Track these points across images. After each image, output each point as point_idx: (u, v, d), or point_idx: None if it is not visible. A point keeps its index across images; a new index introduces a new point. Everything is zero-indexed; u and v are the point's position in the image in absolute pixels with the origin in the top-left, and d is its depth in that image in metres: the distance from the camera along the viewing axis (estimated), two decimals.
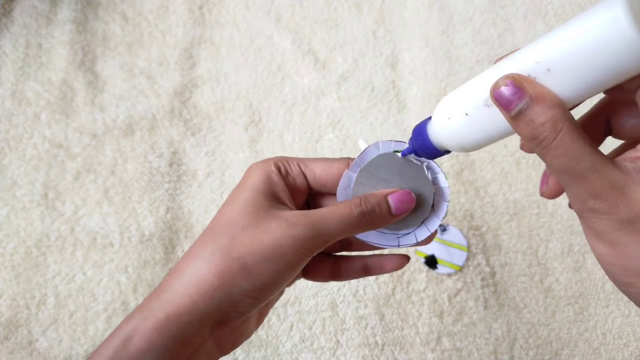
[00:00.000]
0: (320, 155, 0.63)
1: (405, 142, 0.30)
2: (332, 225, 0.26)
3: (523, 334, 0.54)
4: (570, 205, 0.24)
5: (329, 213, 0.27)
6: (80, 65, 0.68)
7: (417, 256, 0.57)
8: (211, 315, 0.25)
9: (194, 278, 0.25)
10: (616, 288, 0.56)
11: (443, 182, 0.30)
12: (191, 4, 0.72)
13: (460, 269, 0.56)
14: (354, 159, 0.30)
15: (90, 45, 0.70)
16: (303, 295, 0.56)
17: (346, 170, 0.30)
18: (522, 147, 0.27)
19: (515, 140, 0.63)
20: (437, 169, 0.30)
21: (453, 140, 0.25)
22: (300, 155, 0.63)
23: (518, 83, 0.21)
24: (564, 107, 0.21)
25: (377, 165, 0.30)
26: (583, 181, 0.21)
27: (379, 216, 0.28)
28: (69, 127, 0.64)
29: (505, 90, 0.21)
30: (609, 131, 0.26)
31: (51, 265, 0.57)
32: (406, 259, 0.31)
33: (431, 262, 0.56)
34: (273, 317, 0.55)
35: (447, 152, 0.27)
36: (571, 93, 0.21)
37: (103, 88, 0.67)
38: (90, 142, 0.64)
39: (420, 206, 0.29)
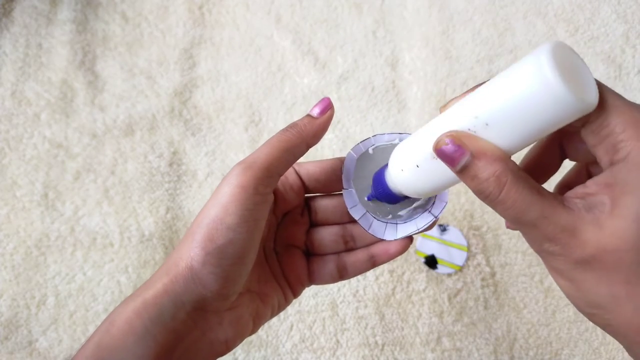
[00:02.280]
0: (320, 155, 0.63)
1: (398, 133, 0.31)
2: (261, 150, 0.27)
3: (523, 334, 0.54)
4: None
5: (259, 147, 0.27)
6: (80, 65, 0.68)
7: (417, 256, 0.57)
8: (183, 296, 0.25)
9: (167, 264, 0.26)
10: None
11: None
12: (191, 4, 0.72)
13: (460, 269, 0.56)
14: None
15: (90, 45, 0.70)
16: (303, 295, 0.56)
17: (343, 189, 0.31)
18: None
19: None
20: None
21: (409, 189, 0.26)
22: None
23: (458, 140, 0.22)
24: (507, 160, 0.22)
25: (373, 156, 0.31)
26: (534, 229, 0.22)
27: (303, 124, 0.28)
28: (69, 127, 0.64)
29: (446, 148, 0.22)
30: (565, 155, 0.27)
31: (51, 265, 0.57)
32: (410, 239, 0.31)
33: (431, 262, 0.56)
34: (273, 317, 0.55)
35: (407, 197, 0.28)
36: (511, 144, 0.22)
37: (103, 88, 0.67)
38: (90, 142, 0.64)
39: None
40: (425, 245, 0.57)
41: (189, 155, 0.63)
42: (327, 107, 0.29)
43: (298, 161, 0.31)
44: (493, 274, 0.56)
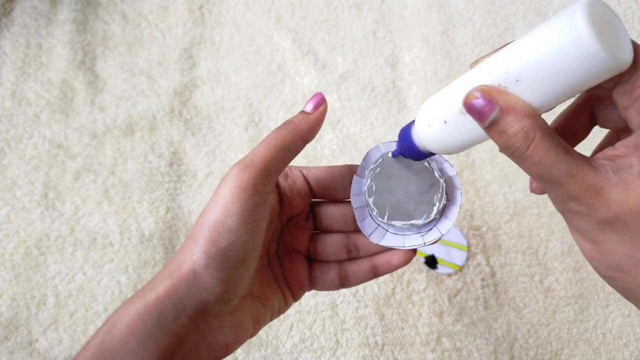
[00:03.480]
0: (320, 155, 0.63)
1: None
2: (258, 149, 0.26)
3: (523, 334, 0.54)
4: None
5: (255, 147, 0.27)
6: (80, 65, 0.68)
7: (417, 256, 0.57)
8: (185, 299, 0.25)
9: (169, 267, 0.26)
10: None
11: (450, 171, 0.31)
12: (191, 4, 0.72)
13: (460, 269, 0.56)
14: (357, 165, 0.31)
15: (90, 45, 0.70)
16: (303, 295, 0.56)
17: (354, 175, 0.31)
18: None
19: None
20: (440, 159, 0.31)
21: (435, 145, 0.26)
22: (299, 155, 0.63)
23: (488, 95, 0.22)
24: (536, 116, 0.22)
25: (384, 164, 0.31)
26: (560, 187, 0.22)
27: (297, 120, 0.28)
28: (69, 127, 0.64)
29: (476, 102, 0.22)
30: (595, 121, 0.27)
31: (51, 265, 0.57)
32: (413, 252, 0.31)
33: (431, 262, 0.56)
34: None
35: (432, 154, 0.27)
36: (541, 102, 0.21)
37: (103, 88, 0.67)
38: (90, 142, 0.64)
39: (435, 196, 0.30)
40: None
41: (189, 155, 0.63)
42: (320, 102, 0.29)
43: (307, 166, 0.31)
44: (493, 274, 0.56)
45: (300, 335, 0.54)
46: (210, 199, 0.26)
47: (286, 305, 0.32)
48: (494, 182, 0.60)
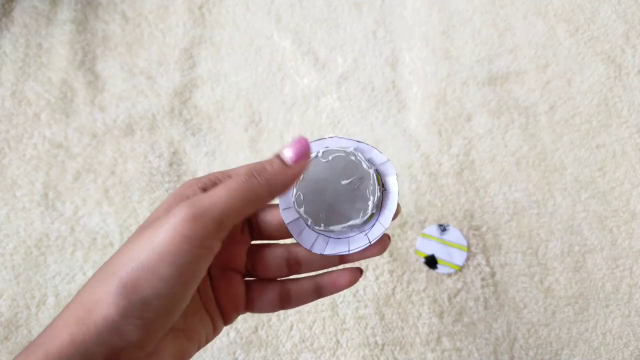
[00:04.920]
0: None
1: (356, 141, 0.29)
2: (219, 195, 0.22)
3: (523, 334, 0.54)
4: None
5: (215, 187, 0.23)
6: (80, 65, 0.68)
7: (417, 256, 0.57)
8: (94, 347, 0.21)
9: (75, 307, 0.22)
10: (616, 288, 0.56)
11: (380, 158, 0.29)
12: (191, 4, 0.72)
13: (460, 269, 0.56)
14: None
15: (90, 45, 0.70)
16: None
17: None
18: None
19: (515, 139, 0.63)
20: (368, 148, 0.29)
21: None
22: None
23: None
24: None
25: (307, 170, 0.28)
26: None
27: (273, 172, 0.24)
28: (69, 127, 0.64)
29: None
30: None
31: (51, 265, 0.57)
32: (359, 271, 0.29)
33: (431, 262, 0.56)
34: (273, 317, 0.55)
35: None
36: None
37: (103, 88, 0.67)
38: (90, 142, 0.64)
39: (367, 190, 0.28)
40: (425, 245, 0.57)
41: (189, 155, 0.63)
42: (304, 153, 0.25)
43: (229, 169, 0.28)
44: (493, 274, 0.56)
45: (300, 335, 0.54)
46: (142, 236, 0.22)
47: (215, 333, 0.28)
48: (493, 182, 0.60)
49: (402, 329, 0.54)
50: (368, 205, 0.28)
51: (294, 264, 0.29)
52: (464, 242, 0.57)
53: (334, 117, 0.65)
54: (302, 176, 0.28)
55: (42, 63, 0.68)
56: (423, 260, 0.56)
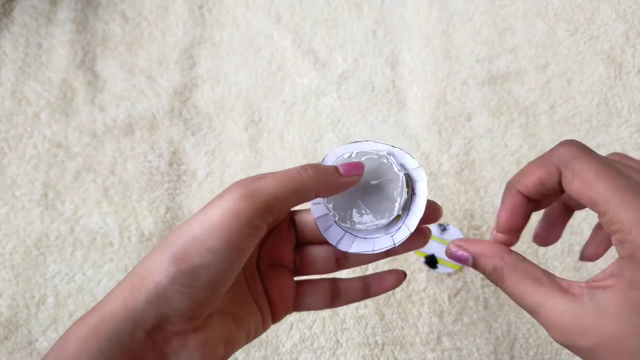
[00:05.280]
0: (320, 155, 0.63)
1: (391, 145, 0.30)
2: (270, 180, 0.24)
3: (523, 333, 0.54)
4: None
5: (268, 173, 0.25)
6: (80, 65, 0.68)
7: (417, 256, 0.57)
8: (144, 313, 0.22)
9: (130, 276, 0.24)
10: None
11: (412, 163, 0.29)
12: (191, 4, 0.72)
13: (461, 268, 0.56)
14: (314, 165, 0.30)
15: (90, 45, 0.70)
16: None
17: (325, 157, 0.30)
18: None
19: (515, 139, 0.63)
20: (401, 153, 0.29)
21: None
22: (300, 155, 0.63)
23: (460, 248, 0.27)
24: (503, 254, 0.26)
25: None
26: (535, 315, 0.24)
27: (325, 172, 0.26)
28: (69, 127, 0.64)
29: (454, 253, 0.27)
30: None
31: (51, 265, 0.57)
32: (403, 274, 0.31)
33: (431, 261, 0.56)
34: None
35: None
36: None
37: (103, 88, 0.67)
38: (90, 141, 0.64)
39: (394, 192, 0.28)
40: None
41: (188, 155, 0.63)
42: (357, 169, 0.27)
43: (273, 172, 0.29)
44: None
45: (300, 335, 0.54)
46: (198, 213, 0.24)
47: (264, 327, 0.30)
48: (493, 182, 0.60)
49: (402, 328, 0.54)
50: (394, 207, 0.28)
51: (341, 258, 0.31)
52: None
53: (334, 117, 0.65)
54: None
55: (42, 63, 0.68)
56: (423, 259, 0.56)
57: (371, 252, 0.29)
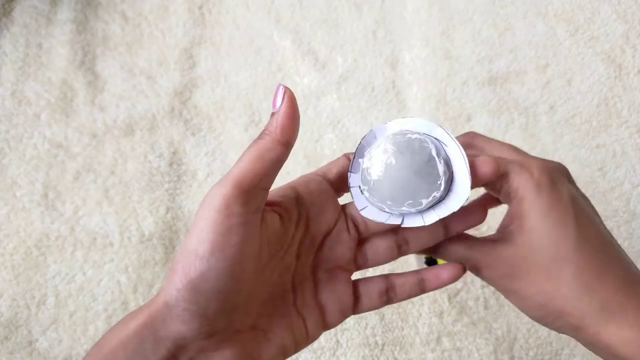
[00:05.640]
0: (320, 155, 0.63)
1: (406, 117, 0.29)
2: (235, 166, 0.24)
3: (523, 334, 0.54)
4: None
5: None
6: (80, 65, 0.68)
7: (417, 255, 0.57)
8: (162, 331, 0.23)
9: (157, 294, 0.24)
10: None
11: (458, 157, 0.29)
12: (191, 4, 0.72)
13: None
14: (352, 154, 0.29)
15: (90, 45, 0.70)
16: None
17: (348, 173, 0.28)
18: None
19: (515, 139, 0.63)
20: (446, 141, 0.29)
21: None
22: (300, 155, 0.63)
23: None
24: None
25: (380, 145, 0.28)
26: (477, 272, 0.31)
27: (270, 124, 0.25)
28: (69, 127, 0.64)
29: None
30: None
31: (51, 265, 0.57)
32: (462, 268, 0.30)
33: (431, 261, 0.56)
34: None
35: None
36: None
37: (103, 88, 0.67)
38: (90, 142, 0.64)
39: (432, 185, 0.28)
40: None
41: (189, 155, 0.63)
42: (282, 94, 0.25)
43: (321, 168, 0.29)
44: None
45: None
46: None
47: (308, 338, 0.28)
48: None
49: (402, 329, 0.54)
50: (438, 187, 0.28)
51: (403, 244, 0.30)
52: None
53: (334, 117, 0.65)
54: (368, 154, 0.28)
55: (42, 63, 0.68)
56: (423, 260, 0.56)
57: (424, 225, 0.28)
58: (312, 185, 0.28)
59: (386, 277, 0.30)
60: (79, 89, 0.67)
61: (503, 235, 0.29)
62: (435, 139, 0.29)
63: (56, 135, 0.64)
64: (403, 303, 0.55)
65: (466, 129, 0.63)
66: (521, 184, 0.28)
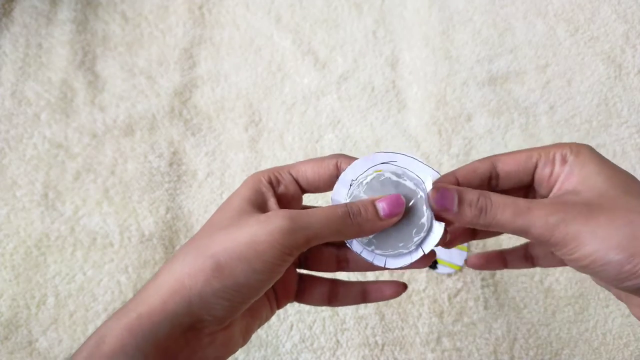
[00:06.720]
0: (320, 155, 0.63)
1: (395, 153, 0.29)
2: (315, 220, 0.26)
3: (523, 334, 0.54)
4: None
5: (312, 210, 0.26)
6: (80, 65, 0.68)
7: None
8: (182, 317, 0.24)
9: (168, 277, 0.25)
10: None
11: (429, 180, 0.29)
12: (191, 4, 0.72)
13: (460, 269, 0.56)
14: (344, 156, 0.29)
15: (90, 45, 0.70)
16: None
17: (337, 182, 0.29)
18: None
19: (515, 139, 0.63)
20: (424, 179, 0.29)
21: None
22: (300, 155, 0.63)
23: (442, 188, 0.27)
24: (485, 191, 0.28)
25: (371, 182, 0.29)
26: (526, 234, 0.26)
27: (366, 218, 0.27)
28: (69, 127, 0.64)
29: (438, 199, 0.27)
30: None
31: (51, 265, 0.57)
32: (403, 286, 0.32)
33: (433, 264, 0.56)
34: (273, 317, 0.55)
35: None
36: None
37: (103, 88, 0.67)
38: (90, 142, 0.64)
39: (414, 227, 0.28)
40: None
41: (189, 155, 0.63)
42: (397, 211, 0.27)
43: (295, 163, 0.30)
44: (493, 274, 0.56)
45: (300, 335, 0.54)
46: (241, 228, 0.25)
47: (272, 313, 0.32)
48: None
49: (402, 329, 0.54)
50: (418, 236, 0.28)
51: (343, 261, 0.32)
52: (464, 242, 0.57)
53: (334, 117, 0.65)
54: (365, 184, 0.29)
55: (42, 63, 0.68)
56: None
57: (385, 268, 0.29)
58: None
59: (333, 281, 0.33)
60: (79, 89, 0.67)
61: (563, 193, 0.27)
62: (417, 176, 0.29)
63: (56, 135, 0.64)
64: (403, 303, 0.55)
65: (466, 129, 0.63)
66: (556, 152, 0.27)
